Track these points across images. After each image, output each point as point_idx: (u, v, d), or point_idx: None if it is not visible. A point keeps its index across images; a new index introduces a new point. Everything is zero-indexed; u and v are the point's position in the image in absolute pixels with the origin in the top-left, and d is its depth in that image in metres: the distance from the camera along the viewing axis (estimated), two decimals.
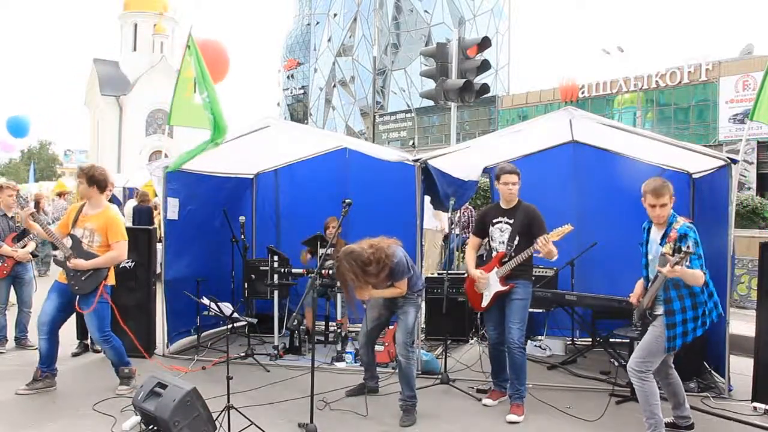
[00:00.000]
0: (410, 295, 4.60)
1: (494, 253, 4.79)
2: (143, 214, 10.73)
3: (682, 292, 3.86)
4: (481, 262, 4.87)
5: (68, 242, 4.84)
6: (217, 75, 6.32)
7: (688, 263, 3.65)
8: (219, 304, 4.37)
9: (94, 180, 4.88)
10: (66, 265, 4.78)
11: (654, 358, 3.94)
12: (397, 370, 5.53)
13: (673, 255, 3.64)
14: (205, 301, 4.44)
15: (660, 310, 3.96)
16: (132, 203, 11.63)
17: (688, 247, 3.60)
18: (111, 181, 6.13)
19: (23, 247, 6.15)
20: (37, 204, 10.75)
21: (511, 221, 4.72)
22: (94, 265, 4.77)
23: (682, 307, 3.87)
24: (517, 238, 4.67)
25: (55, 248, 4.94)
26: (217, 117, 5.98)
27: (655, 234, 4.04)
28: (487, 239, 4.92)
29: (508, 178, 4.70)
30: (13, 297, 6.34)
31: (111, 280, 4.95)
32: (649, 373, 3.92)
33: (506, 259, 4.67)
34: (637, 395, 3.99)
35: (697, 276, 3.74)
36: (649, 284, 4.04)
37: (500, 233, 4.77)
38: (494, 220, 4.82)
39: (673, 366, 4.19)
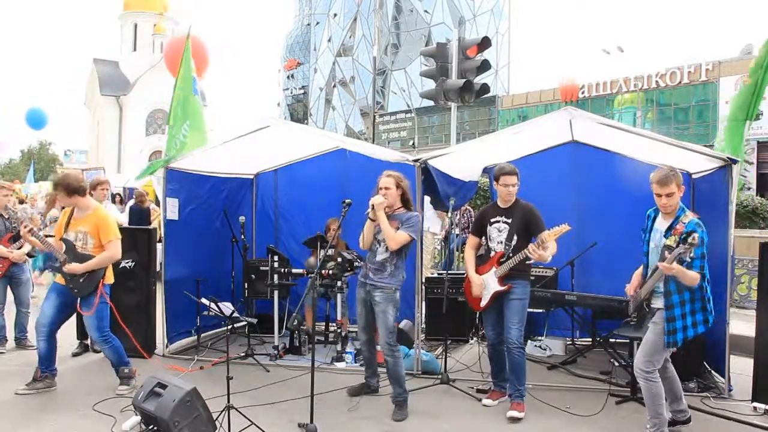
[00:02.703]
0: (388, 288, 4.60)
1: (492, 253, 4.79)
2: (142, 214, 10.71)
3: (681, 285, 3.83)
4: (482, 261, 4.87)
5: (62, 247, 4.84)
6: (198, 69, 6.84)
7: (692, 254, 3.62)
8: (219, 304, 4.37)
9: (72, 189, 4.81)
10: (62, 270, 4.79)
11: (659, 356, 3.92)
12: None
13: (677, 246, 3.62)
14: (205, 301, 4.44)
15: (659, 303, 3.94)
16: (132, 203, 11.60)
17: (693, 238, 3.55)
18: (104, 180, 6.13)
19: (19, 248, 6.14)
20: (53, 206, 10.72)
21: (509, 220, 4.71)
22: (89, 267, 4.76)
23: (681, 300, 3.84)
24: (515, 238, 4.66)
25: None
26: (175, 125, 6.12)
27: (661, 224, 4.01)
28: (485, 238, 4.92)
29: (508, 179, 4.68)
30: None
31: (109, 279, 4.95)
32: (656, 373, 3.92)
33: (504, 259, 4.67)
34: (644, 395, 3.99)
35: (692, 278, 3.74)
36: (648, 275, 4.02)
37: (498, 233, 4.76)
38: (492, 220, 4.81)
39: (670, 360, 4.18)
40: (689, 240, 3.56)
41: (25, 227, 4.82)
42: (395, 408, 4.57)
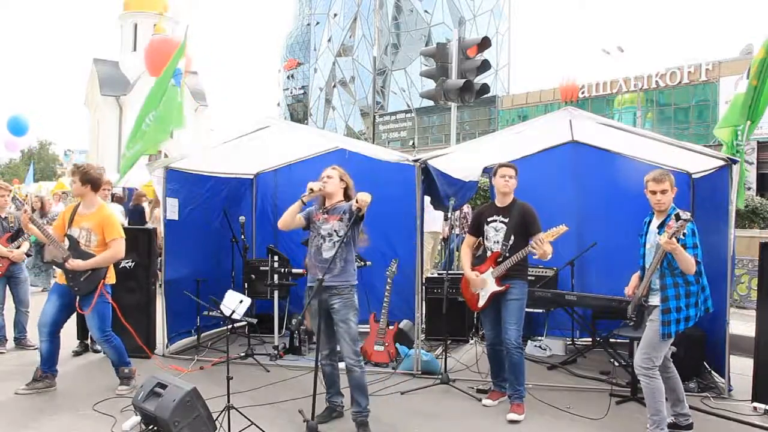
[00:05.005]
0: (344, 287, 4.21)
1: (489, 253, 4.77)
2: (138, 214, 10.73)
3: (676, 279, 3.97)
4: (479, 261, 4.86)
5: (66, 243, 4.83)
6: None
7: (684, 232, 3.79)
8: (221, 301, 4.37)
9: (89, 178, 4.84)
10: (64, 266, 4.78)
11: (657, 352, 4.00)
12: (393, 371, 5.56)
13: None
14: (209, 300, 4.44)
15: (655, 300, 4.04)
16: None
17: (685, 214, 3.76)
18: (106, 180, 6.14)
19: (18, 248, 6.14)
20: (42, 207, 10.76)
21: (506, 220, 4.69)
22: (92, 265, 4.76)
23: (677, 294, 3.97)
24: (512, 237, 4.65)
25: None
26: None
27: (654, 224, 4.14)
28: (482, 238, 4.91)
29: (505, 171, 4.69)
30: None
31: (111, 279, 4.95)
32: (656, 370, 3.99)
33: (501, 259, 4.66)
34: (644, 392, 4.04)
35: (689, 261, 3.85)
36: (645, 272, 4.13)
37: (495, 232, 4.74)
38: (489, 219, 4.79)
39: (671, 360, 4.22)
40: (682, 217, 3.76)
41: (25, 216, 4.81)
42: (358, 429, 4.14)
